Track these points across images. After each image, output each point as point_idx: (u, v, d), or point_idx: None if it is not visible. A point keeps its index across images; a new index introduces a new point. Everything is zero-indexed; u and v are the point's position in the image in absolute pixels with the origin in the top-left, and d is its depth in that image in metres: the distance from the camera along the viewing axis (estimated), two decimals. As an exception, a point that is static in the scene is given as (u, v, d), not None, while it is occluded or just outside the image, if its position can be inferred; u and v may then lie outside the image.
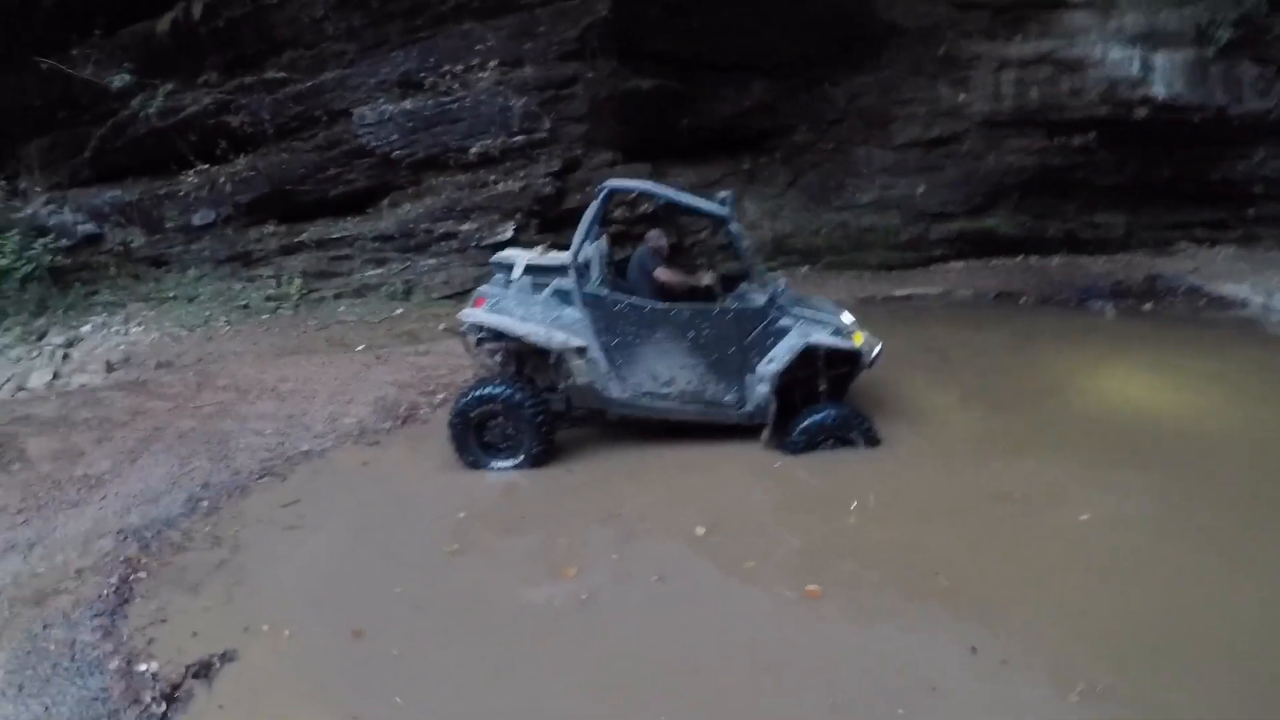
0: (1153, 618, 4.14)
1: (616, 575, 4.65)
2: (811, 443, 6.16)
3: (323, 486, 6.01)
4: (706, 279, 6.93)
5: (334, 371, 8.33)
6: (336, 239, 11.74)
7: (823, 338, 6.15)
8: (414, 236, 11.54)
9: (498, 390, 6.07)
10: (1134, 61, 11.79)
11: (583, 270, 6.23)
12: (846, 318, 6.48)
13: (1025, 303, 11.73)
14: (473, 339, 6.47)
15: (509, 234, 11.29)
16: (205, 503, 5.76)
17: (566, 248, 6.39)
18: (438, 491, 5.88)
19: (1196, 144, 12.45)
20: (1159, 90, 11.83)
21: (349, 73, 11.61)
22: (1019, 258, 13.53)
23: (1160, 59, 11.76)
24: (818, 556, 4.85)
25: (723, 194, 6.46)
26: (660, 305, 6.23)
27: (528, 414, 6.06)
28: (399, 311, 10.98)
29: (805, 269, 12.68)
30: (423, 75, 11.47)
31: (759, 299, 6.25)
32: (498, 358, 6.47)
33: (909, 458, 6.15)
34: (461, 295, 11.29)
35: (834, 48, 12.33)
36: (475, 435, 6.16)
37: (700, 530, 5.12)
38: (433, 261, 11.61)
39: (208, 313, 10.82)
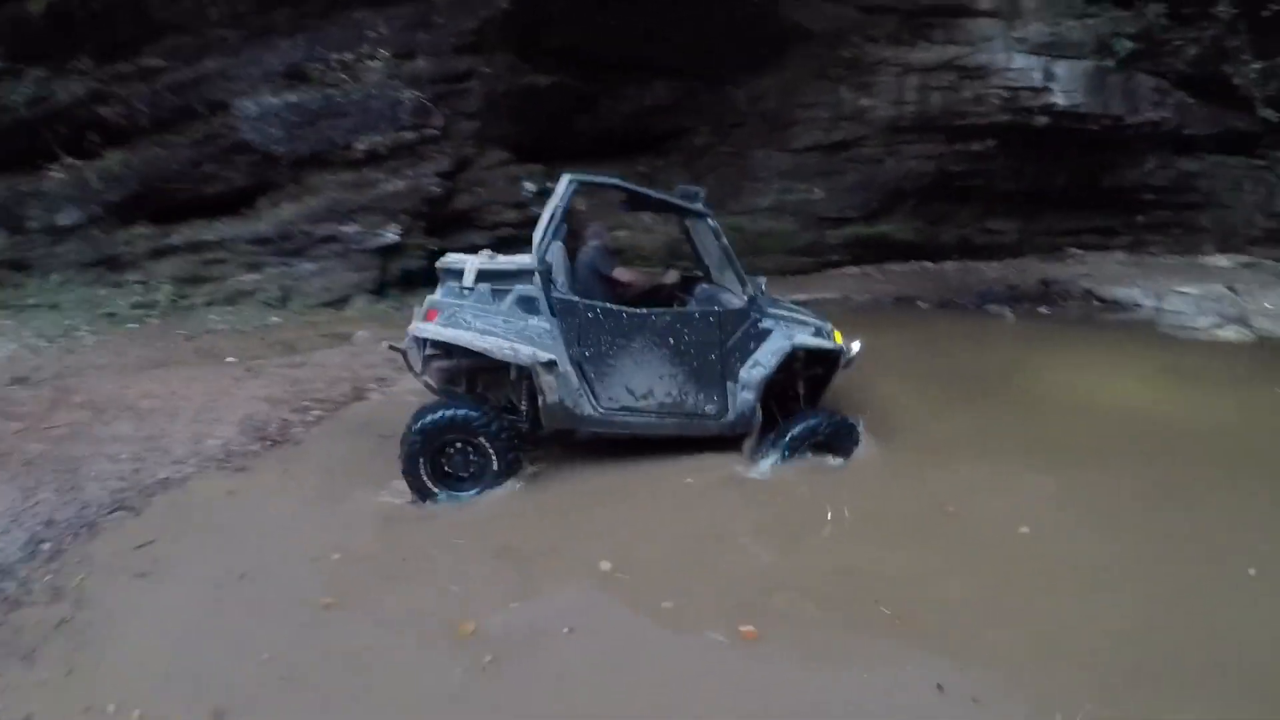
0: (1126, 632, 3.91)
1: (521, 629, 4.10)
2: (798, 452, 5.80)
3: (181, 522, 5.31)
4: (670, 276, 6.53)
5: (201, 386, 7.58)
6: (210, 241, 10.97)
7: (807, 339, 5.85)
8: (292, 239, 10.89)
9: (466, 413, 5.47)
10: (1036, 70, 11.96)
11: (547, 274, 5.63)
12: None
13: (924, 307, 11.81)
14: (419, 356, 5.88)
15: (393, 237, 10.87)
16: (48, 545, 5.02)
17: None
18: (310, 527, 5.24)
19: (1092, 152, 12.75)
20: (1059, 98, 12.05)
21: (232, 61, 10.87)
22: (913, 263, 13.68)
23: (1062, 68, 11.98)
24: (743, 591, 4.42)
25: (693, 188, 6.04)
26: (639, 311, 5.74)
27: (500, 438, 5.47)
28: (274, 320, 10.33)
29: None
30: (310, 65, 10.83)
31: (735, 300, 5.88)
32: (435, 378, 5.90)
33: (825, 471, 5.83)
34: (341, 303, 10.77)
35: (739, 48, 12.11)
36: (429, 463, 5.48)
37: (606, 565, 4.67)
38: (312, 266, 10.98)
39: (69, 321, 9.88)
